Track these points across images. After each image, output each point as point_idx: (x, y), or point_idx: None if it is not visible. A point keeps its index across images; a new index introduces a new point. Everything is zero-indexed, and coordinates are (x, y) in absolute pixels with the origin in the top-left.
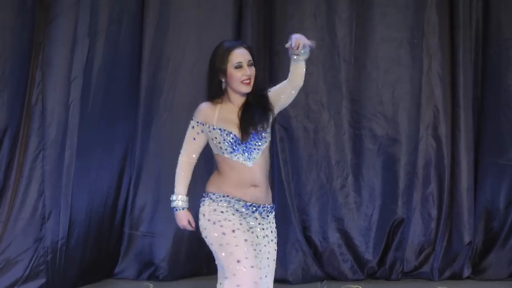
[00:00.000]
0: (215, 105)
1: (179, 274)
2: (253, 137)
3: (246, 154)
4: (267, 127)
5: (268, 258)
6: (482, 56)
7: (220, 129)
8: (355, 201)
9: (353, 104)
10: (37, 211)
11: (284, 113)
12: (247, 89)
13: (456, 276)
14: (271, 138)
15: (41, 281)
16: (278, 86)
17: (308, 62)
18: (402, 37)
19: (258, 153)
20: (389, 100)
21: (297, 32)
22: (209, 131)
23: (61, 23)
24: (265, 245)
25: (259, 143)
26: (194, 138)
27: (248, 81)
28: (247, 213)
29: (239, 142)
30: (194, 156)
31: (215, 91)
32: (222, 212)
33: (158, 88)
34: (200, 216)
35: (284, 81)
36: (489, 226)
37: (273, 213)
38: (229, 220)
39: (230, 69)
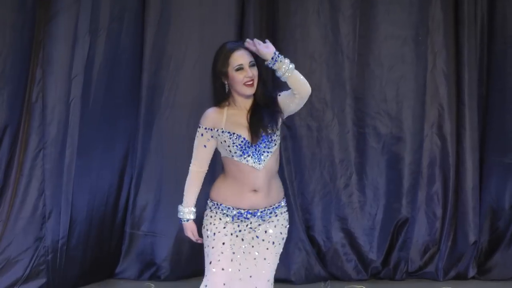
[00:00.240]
0: (222, 109)
1: (181, 274)
2: (263, 140)
3: (256, 156)
4: (277, 129)
5: (255, 258)
6: (487, 53)
7: (229, 132)
8: (359, 200)
9: (357, 102)
10: (38, 210)
11: None
12: (250, 90)
13: (461, 276)
14: None
15: (42, 281)
16: (286, 94)
17: (312, 59)
18: (406, 34)
19: (267, 156)
20: (393, 98)
21: (300, 29)
22: (218, 135)
23: (62, 21)
24: (253, 246)
25: (269, 146)
26: (205, 146)
27: (250, 82)
28: (239, 218)
29: (249, 145)
30: (206, 164)
31: (221, 95)
32: (211, 217)
33: (160, 87)
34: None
35: (290, 91)
36: (495, 226)
37: (280, 211)
38: (213, 224)
39: (231, 72)
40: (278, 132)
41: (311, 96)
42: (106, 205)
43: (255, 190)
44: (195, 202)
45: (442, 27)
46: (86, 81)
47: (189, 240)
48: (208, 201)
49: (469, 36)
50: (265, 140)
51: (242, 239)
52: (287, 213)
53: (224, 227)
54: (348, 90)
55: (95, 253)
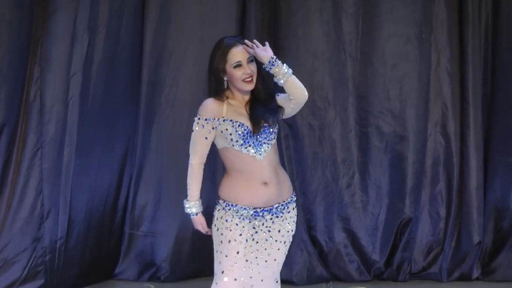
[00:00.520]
0: (221, 101)
1: (181, 275)
2: (264, 131)
3: (257, 147)
4: (277, 122)
5: (266, 261)
6: (492, 52)
7: (231, 120)
8: (362, 200)
9: (360, 100)
10: (35, 210)
11: None
12: (250, 87)
13: (465, 277)
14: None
15: (40, 282)
16: (283, 96)
17: (314, 58)
18: (410, 32)
19: (268, 147)
20: (396, 97)
21: (302, 27)
22: (219, 124)
23: (60, 18)
24: (265, 249)
25: (269, 138)
26: (206, 137)
27: (249, 79)
28: (255, 218)
29: (251, 134)
30: (205, 157)
31: (218, 90)
32: (227, 220)
33: (160, 84)
34: (213, 219)
35: (286, 95)
36: (499, 226)
37: (292, 206)
38: (230, 230)
39: (230, 69)
40: (277, 126)
41: (313, 94)
42: (105, 205)
43: (265, 183)
44: (199, 195)
45: (446, 25)
46: (85, 79)
47: (189, 240)
48: (220, 202)
49: (474, 35)
50: (266, 131)
51: (257, 242)
52: (296, 207)
53: (240, 234)
54: (351, 89)
55: (94, 253)
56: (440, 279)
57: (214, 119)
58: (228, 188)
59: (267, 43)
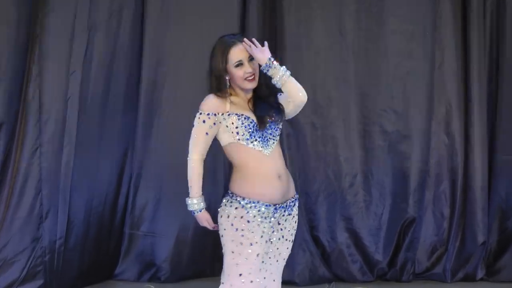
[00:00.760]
0: (224, 97)
1: (182, 275)
2: (269, 126)
3: (263, 142)
4: (281, 119)
5: (277, 261)
6: (496, 50)
7: (237, 114)
8: (365, 199)
9: (362, 99)
10: (34, 210)
11: None
12: (252, 85)
13: (469, 278)
14: None
15: (39, 282)
16: (283, 97)
17: (316, 55)
18: (414, 29)
19: (274, 142)
20: (399, 95)
21: (304, 24)
22: (224, 119)
23: (59, 15)
24: (277, 248)
25: (275, 134)
26: (207, 133)
27: (252, 77)
28: (273, 216)
29: (257, 128)
30: (206, 152)
31: (219, 88)
32: (248, 221)
33: (160, 83)
34: (224, 216)
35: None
36: (504, 226)
37: (296, 203)
38: (252, 232)
39: (231, 68)
40: (281, 122)
41: (315, 92)
42: (105, 205)
43: (279, 176)
44: (201, 191)
45: (450, 22)
46: (84, 77)
47: (190, 240)
48: (238, 199)
49: (478, 32)
50: (272, 126)
51: (271, 242)
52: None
53: (262, 236)
54: (353, 87)
55: (93, 254)
56: (444, 280)
57: (217, 114)
58: (244, 185)
59: (266, 43)
